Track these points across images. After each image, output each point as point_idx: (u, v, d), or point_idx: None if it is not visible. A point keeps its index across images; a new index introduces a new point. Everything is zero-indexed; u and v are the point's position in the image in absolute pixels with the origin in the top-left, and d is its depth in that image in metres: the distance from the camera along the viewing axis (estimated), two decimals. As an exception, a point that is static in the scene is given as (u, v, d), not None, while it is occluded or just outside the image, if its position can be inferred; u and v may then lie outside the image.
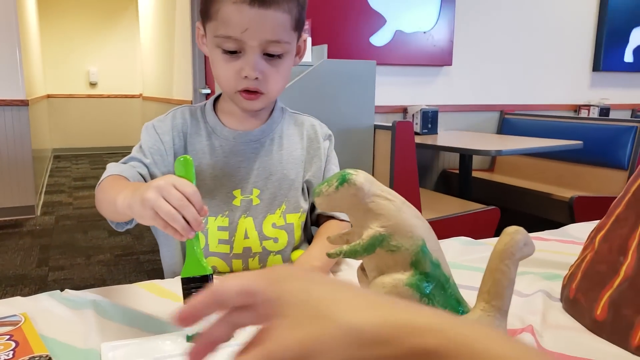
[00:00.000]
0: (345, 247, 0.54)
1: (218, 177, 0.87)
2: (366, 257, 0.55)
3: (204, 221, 0.60)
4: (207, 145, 0.87)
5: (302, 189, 0.91)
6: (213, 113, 0.89)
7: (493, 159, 3.45)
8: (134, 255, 2.85)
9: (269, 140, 0.89)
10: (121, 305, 0.71)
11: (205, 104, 0.91)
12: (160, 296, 0.76)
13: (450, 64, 3.24)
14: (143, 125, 0.90)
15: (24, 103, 3.46)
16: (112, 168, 0.80)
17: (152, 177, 0.83)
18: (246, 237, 0.87)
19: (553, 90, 3.65)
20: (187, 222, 0.56)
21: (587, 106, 3.62)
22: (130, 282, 0.82)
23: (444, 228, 2.27)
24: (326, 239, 0.60)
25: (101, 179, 0.79)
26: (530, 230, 1.15)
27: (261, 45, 0.77)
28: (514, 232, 0.50)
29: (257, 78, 0.78)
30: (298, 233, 0.91)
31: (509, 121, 3.45)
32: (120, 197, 0.65)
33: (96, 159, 6.44)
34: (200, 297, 0.31)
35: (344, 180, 0.53)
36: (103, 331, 0.64)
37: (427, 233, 0.56)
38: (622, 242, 0.63)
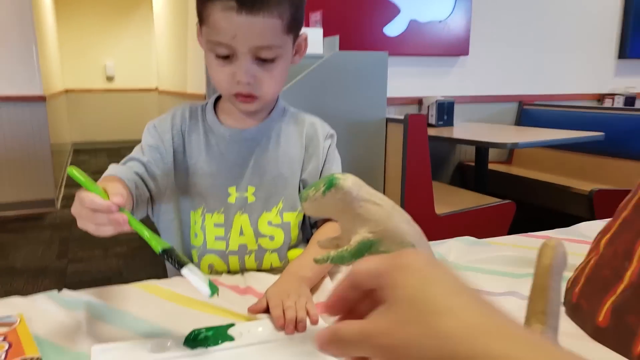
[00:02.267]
0: (332, 253, 0.53)
1: (213, 174, 0.87)
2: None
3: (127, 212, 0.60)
4: (203, 142, 0.88)
5: (299, 189, 0.91)
6: (212, 112, 0.90)
7: (511, 151, 3.38)
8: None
9: (265, 138, 0.89)
10: (113, 306, 0.71)
11: (207, 103, 0.91)
12: (157, 296, 0.76)
13: (467, 54, 3.17)
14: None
15: (41, 99, 3.52)
16: (110, 169, 0.81)
17: (150, 174, 0.84)
18: (241, 234, 0.87)
19: (575, 80, 3.54)
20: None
21: (612, 95, 3.51)
22: (147, 273, 0.83)
23: (458, 222, 2.24)
24: (317, 243, 0.59)
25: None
26: (546, 226, 1.12)
27: (251, 50, 0.76)
28: (557, 245, 0.45)
29: (249, 83, 0.78)
30: (295, 232, 0.90)
31: (528, 112, 3.37)
32: None
33: (114, 153, 6.53)
34: (341, 283, 0.33)
35: (331, 185, 0.52)
36: (93, 333, 0.64)
37: (417, 238, 0.54)
38: (628, 246, 0.60)
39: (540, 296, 0.46)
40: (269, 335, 0.64)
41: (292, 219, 0.89)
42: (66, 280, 2.47)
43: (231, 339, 0.63)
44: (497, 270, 0.85)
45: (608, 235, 0.65)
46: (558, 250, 0.45)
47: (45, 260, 2.73)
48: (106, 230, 0.59)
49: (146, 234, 0.60)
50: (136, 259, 2.74)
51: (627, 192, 0.69)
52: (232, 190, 0.87)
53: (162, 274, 0.88)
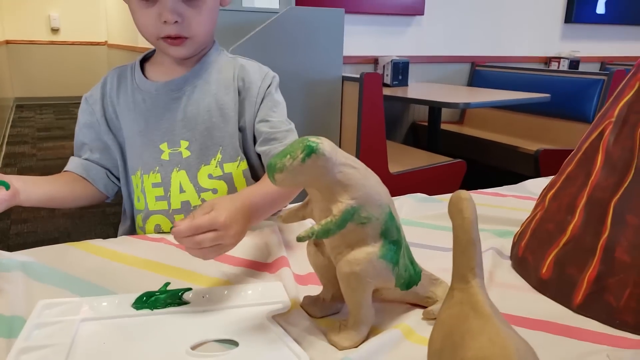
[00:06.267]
0: (316, 227, 0.49)
1: (143, 133, 0.84)
2: None
3: None
4: (131, 101, 0.85)
5: (239, 137, 0.87)
6: (139, 67, 0.86)
7: (463, 111, 3.44)
8: (99, 208, 2.80)
9: (190, 88, 0.84)
10: (53, 267, 0.68)
11: (136, 61, 0.88)
12: (101, 256, 0.73)
13: (422, 14, 3.16)
14: None
15: (-25, 49, 3.26)
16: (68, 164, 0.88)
17: (94, 152, 0.88)
18: (182, 191, 0.84)
19: (525, 42, 3.61)
20: None
21: (558, 58, 3.61)
22: (96, 234, 0.81)
23: (411, 181, 2.28)
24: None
25: None
26: (495, 184, 1.16)
27: None
28: (470, 197, 0.44)
29: (176, 22, 0.76)
30: (240, 182, 0.86)
31: (479, 73, 3.42)
32: None
33: (61, 109, 6.20)
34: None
35: (312, 151, 0.47)
36: (31, 296, 0.61)
37: (389, 198, 0.54)
38: (571, 200, 0.63)
39: (471, 251, 0.45)
40: (231, 301, 0.61)
41: (234, 169, 0.86)
42: (9, 241, 2.37)
43: (183, 303, 0.60)
44: (446, 226, 0.87)
45: (553, 190, 0.67)
46: (473, 201, 0.44)
47: (-15, 221, 2.61)
48: None
49: None
50: (84, 219, 2.66)
51: (571, 151, 0.71)
52: (163, 146, 0.84)
53: (112, 235, 0.85)
